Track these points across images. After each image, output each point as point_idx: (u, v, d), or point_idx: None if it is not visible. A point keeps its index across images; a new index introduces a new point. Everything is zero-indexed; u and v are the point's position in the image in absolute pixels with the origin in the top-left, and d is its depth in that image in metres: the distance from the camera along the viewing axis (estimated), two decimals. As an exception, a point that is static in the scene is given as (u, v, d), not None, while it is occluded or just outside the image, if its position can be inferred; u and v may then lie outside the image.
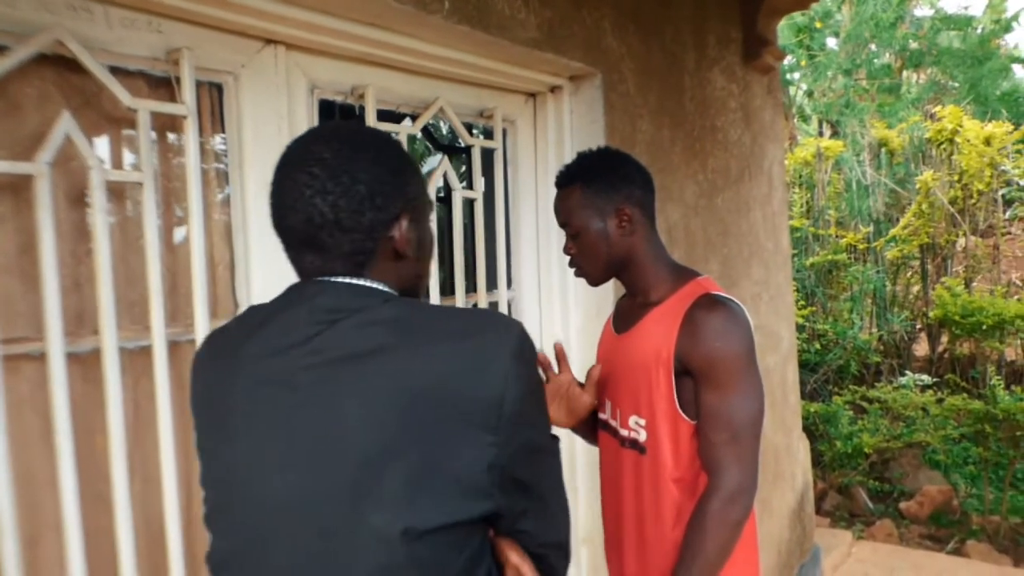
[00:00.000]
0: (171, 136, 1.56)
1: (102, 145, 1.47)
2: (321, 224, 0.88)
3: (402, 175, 0.94)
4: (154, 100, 1.48)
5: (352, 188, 0.88)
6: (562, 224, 1.54)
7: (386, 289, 0.93)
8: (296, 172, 0.89)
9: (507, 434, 0.86)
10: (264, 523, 0.87)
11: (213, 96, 1.62)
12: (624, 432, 1.52)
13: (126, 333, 1.45)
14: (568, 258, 1.57)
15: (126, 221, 1.49)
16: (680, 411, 1.42)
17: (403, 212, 0.93)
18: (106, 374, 1.38)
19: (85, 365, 1.40)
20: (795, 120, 10.41)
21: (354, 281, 0.91)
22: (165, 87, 1.52)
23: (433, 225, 1.09)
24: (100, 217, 1.38)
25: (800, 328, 6.53)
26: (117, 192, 1.48)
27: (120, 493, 1.39)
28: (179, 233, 1.57)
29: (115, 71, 1.43)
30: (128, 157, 1.51)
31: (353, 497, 0.82)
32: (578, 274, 1.57)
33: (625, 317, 1.59)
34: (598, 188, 1.48)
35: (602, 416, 1.62)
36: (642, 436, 1.48)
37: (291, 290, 0.94)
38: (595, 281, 1.56)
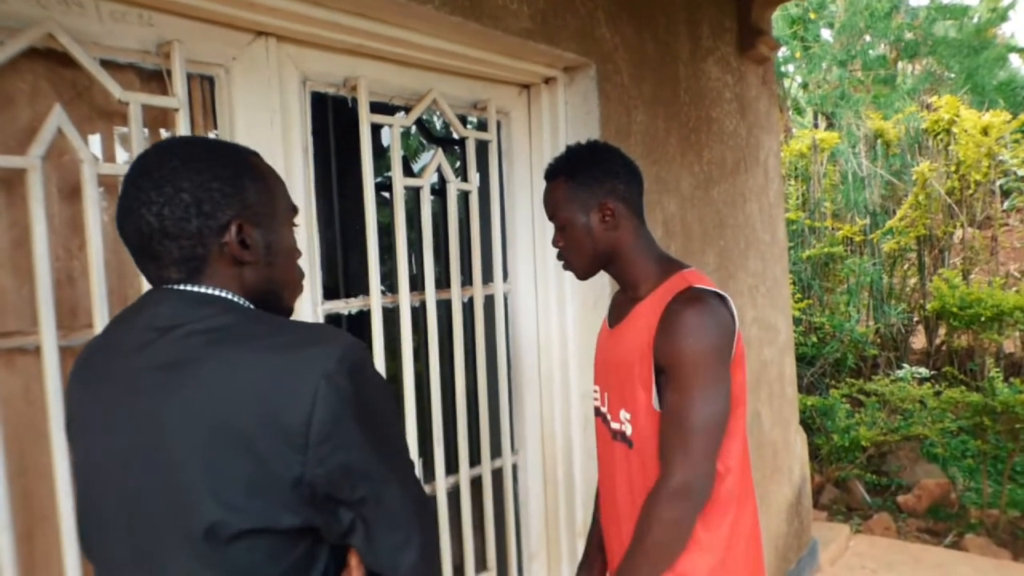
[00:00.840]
0: (163, 130, 1.56)
1: (94, 139, 1.47)
2: (149, 233, 0.91)
3: (235, 182, 0.94)
4: (145, 93, 1.48)
5: (175, 197, 0.90)
6: (550, 217, 1.55)
7: (230, 297, 0.94)
8: (128, 186, 0.92)
9: (317, 455, 0.85)
10: (101, 518, 0.93)
11: (205, 89, 1.61)
12: (615, 425, 1.53)
13: (120, 327, 1.44)
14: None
15: (119, 215, 1.49)
16: (655, 406, 1.41)
17: (237, 217, 0.94)
18: (100, 368, 1.37)
19: (79, 359, 1.40)
20: (790, 112, 10.40)
21: (199, 289, 0.93)
22: (157, 80, 1.52)
23: (298, 231, 1.10)
24: (93, 211, 1.38)
25: (797, 321, 6.52)
26: (110, 186, 1.47)
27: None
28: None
29: (106, 64, 1.43)
30: (120, 151, 1.51)
31: (163, 499, 0.85)
32: (566, 267, 1.57)
33: (618, 311, 1.59)
34: (581, 182, 1.49)
35: (602, 409, 1.62)
36: (629, 430, 1.48)
37: (142, 296, 0.97)
38: (582, 275, 1.56)
